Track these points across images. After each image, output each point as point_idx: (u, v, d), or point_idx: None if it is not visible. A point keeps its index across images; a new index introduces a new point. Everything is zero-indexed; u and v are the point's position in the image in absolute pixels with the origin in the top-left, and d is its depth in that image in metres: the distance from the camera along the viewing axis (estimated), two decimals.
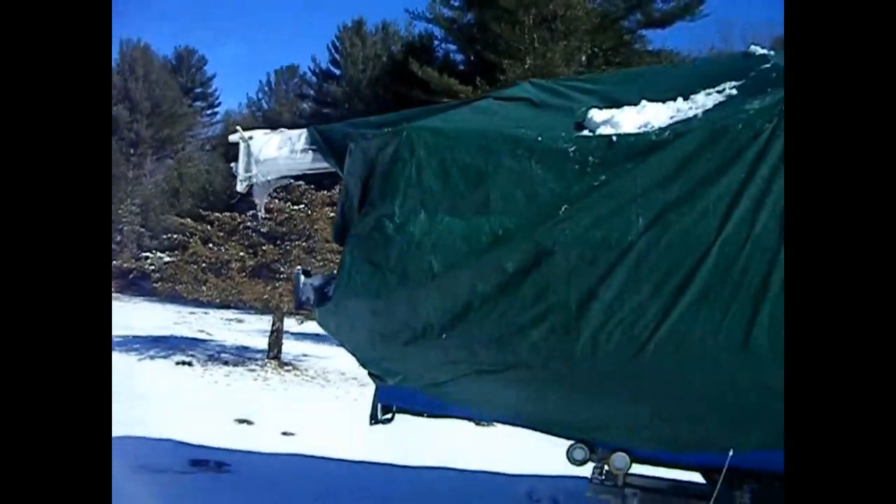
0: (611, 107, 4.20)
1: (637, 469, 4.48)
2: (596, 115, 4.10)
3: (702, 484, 4.43)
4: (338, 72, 31.55)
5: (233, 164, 5.41)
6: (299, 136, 5.21)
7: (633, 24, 23.04)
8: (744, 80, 4.05)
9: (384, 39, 30.48)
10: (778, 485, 4.21)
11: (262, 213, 5.71)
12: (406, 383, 4.56)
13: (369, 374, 5.03)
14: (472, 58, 23.78)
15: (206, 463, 7.31)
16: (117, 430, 8.00)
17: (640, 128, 3.92)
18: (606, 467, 4.21)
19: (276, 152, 5.23)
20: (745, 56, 4.54)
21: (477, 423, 8.30)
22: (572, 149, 3.86)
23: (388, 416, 5.15)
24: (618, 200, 3.72)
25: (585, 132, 4.02)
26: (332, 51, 31.96)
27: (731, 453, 3.72)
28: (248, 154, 5.28)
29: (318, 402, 11.67)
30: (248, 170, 5.31)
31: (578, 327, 3.73)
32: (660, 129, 3.82)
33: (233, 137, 5.36)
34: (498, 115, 4.45)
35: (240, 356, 15.19)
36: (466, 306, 3.98)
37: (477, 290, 3.94)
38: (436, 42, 26.54)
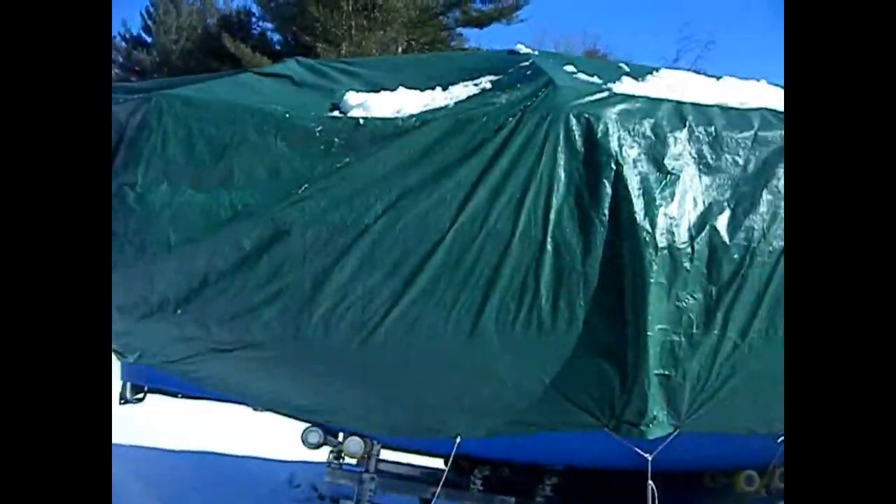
0: (371, 91, 4.17)
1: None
2: (351, 97, 4.05)
3: (443, 470, 4.50)
4: (149, 39, 30.11)
5: None
6: None
7: (451, 21, 23.41)
8: (501, 76, 4.13)
9: (201, 10, 29.35)
10: (507, 470, 4.37)
11: None
12: (143, 360, 4.35)
13: (113, 350, 4.78)
14: (288, 38, 23.35)
15: None
16: None
17: (392, 114, 3.91)
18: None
19: None
20: (510, 53, 4.65)
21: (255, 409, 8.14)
22: (319, 128, 3.81)
23: (140, 395, 4.93)
24: (358, 183, 3.70)
25: (337, 113, 3.97)
26: (146, 17, 30.46)
27: (458, 440, 3.80)
28: None
29: None
30: None
31: (311, 308, 3.68)
32: (409, 115, 3.83)
33: None
34: (254, 90, 4.31)
35: None
36: (203, 282, 3.84)
37: (214, 265, 3.81)
38: (253, 19, 25.90)
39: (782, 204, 3.89)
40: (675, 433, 3.73)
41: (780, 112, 4.15)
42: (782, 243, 3.83)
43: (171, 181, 3.95)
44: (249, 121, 3.90)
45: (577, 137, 3.68)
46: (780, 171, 3.92)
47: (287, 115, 3.87)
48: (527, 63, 4.23)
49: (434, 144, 3.70)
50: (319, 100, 4.19)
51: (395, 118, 3.80)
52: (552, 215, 3.60)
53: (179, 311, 3.92)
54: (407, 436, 4.11)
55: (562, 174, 3.64)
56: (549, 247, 3.58)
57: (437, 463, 4.73)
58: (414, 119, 3.78)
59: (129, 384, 4.85)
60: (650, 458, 3.73)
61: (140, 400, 4.96)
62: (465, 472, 4.26)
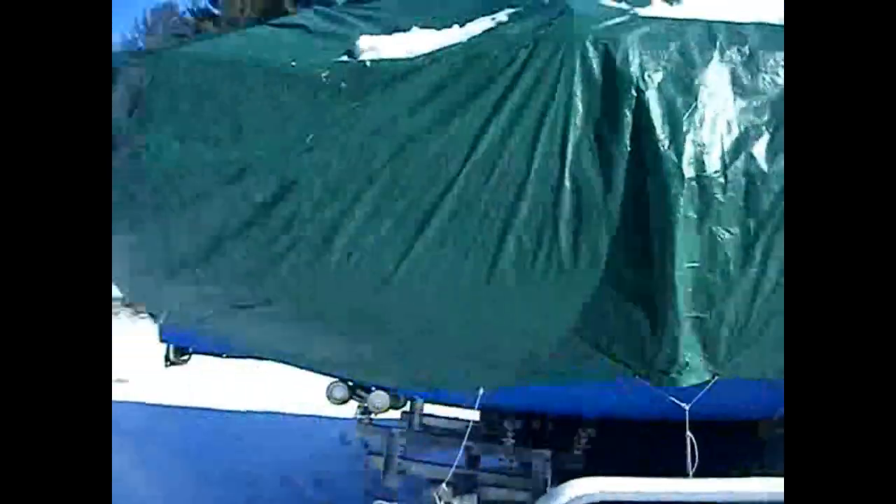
0: (385, 34, 3.99)
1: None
2: (363, 42, 3.86)
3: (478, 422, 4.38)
4: (217, 11, 30.35)
5: None
6: None
7: None
8: (520, 8, 3.90)
9: None
10: (540, 423, 4.21)
11: None
12: (172, 320, 4.34)
13: (147, 312, 4.80)
14: None
15: None
16: None
17: (403, 55, 3.73)
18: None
19: None
20: None
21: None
22: (325, 75, 3.65)
23: (185, 357, 4.94)
24: (366, 128, 3.53)
25: (344, 58, 3.81)
26: None
27: (480, 392, 3.64)
28: None
29: None
30: None
31: (323, 261, 3.55)
32: (417, 54, 3.63)
33: None
34: (266, 42, 4.17)
35: None
36: (217, 239, 3.77)
37: (227, 222, 3.73)
38: None
39: None
40: (714, 380, 3.47)
41: None
42: None
43: (182, 139, 3.87)
44: (255, 73, 3.77)
45: (594, 66, 3.41)
46: None
47: (293, 64, 3.73)
48: None
49: (443, 83, 3.49)
50: (332, 46, 4.02)
51: (403, 58, 3.61)
52: (569, 151, 3.35)
53: (198, 270, 3.86)
54: (427, 388, 3.97)
55: (579, 106, 3.39)
56: (567, 184, 3.34)
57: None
58: (422, 58, 3.58)
59: (171, 346, 4.85)
60: (688, 408, 3.47)
61: (185, 361, 4.97)
62: (498, 426, 4.11)
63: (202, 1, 31.61)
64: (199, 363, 5.08)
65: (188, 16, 32.73)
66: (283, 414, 7.32)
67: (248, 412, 7.42)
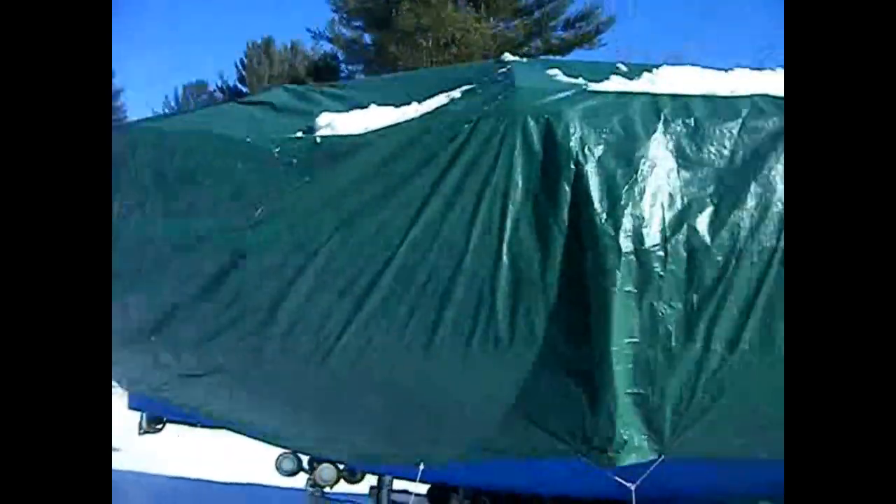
0: (346, 111, 4.09)
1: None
2: (321, 119, 3.96)
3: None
4: (245, 90, 31.18)
5: None
6: None
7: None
8: (474, 85, 3.97)
9: (292, 59, 30.28)
10: (489, 500, 4.14)
11: None
12: (132, 388, 4.38)
13: (114, 379, 4.82)
14: None
15: None
16: None
17: (358, 131, 3.81)
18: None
19: None
20: (497, 62, 4.48)
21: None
22: (277, 150, 3.74)
23: (159, 426, 4.93)
24: (313, 202, 3.61)
25: (300, 134, 3.90)
26: (240, 68, 31.62)
27: (421, 467, 3.60)
28: None
29: None
30: None
31: (268, 332, 3.60)
32: (367, 130, 3.71)
33: None
34: (231, 118, 4.29)
35: None
36: (172, 309, 3.84)
37: (180, 292, 3.81)
38: (341, 63, 26.36)
39: (774, 198, 3.55)
40: (660, 459, 3.39)
41: (774, 97, 3.80)
42: (774, 241, 3.48)
43: (145, 211, 3.99)
44: (212, 147, 3.89)
45: (535, 140, 3.43)
46: (772, 162, 3.57)
47: (248, 140, 3.83)
48: (504, 69, 4.05)
49: (389, 158, 3.56)
50: (294, 123, 4.12)
51: (352, 134, 3.70)
52: (508, 224, 3.37)
53: (153, 339, 3.92)
54: (371, 462, 3.94)
55: (518, 180, 3.41)
56: (504, 258, 3.35)
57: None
58: (371, 134, 3.66)
59: (144, 415, 4.86)
60: (633, 488, 3.40)
61: (158, 430, 4.97)
62: (444, 502, 4.06)
63: (231, 79, 32.59)
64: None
65: (217, 94, 33.73)
66: (237, 484, 7.26)
67: (222, 483, 7.37)
